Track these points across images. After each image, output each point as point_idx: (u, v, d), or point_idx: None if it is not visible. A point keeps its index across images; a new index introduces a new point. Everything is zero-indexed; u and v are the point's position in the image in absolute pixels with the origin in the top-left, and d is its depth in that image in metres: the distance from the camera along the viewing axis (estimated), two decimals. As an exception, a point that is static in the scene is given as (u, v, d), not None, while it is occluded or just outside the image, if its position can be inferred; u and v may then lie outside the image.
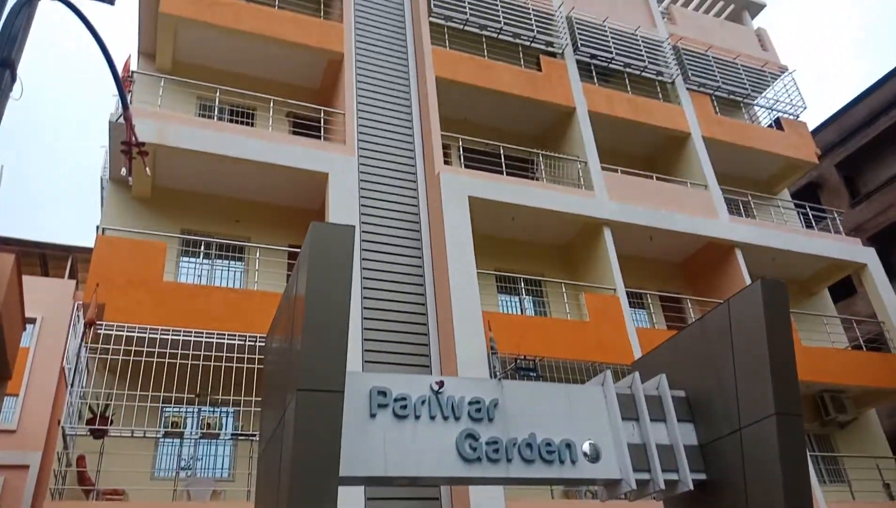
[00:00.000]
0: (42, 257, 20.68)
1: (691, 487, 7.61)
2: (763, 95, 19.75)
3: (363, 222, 12.39)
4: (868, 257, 17.05)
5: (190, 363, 9.42)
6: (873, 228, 22.47)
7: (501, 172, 14.14)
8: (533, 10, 16.87)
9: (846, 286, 19.08)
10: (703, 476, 7.83)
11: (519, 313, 13.86)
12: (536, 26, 16.67)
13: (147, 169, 9.25)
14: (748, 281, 14.53)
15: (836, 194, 24.11)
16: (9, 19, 6.91)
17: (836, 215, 18.30)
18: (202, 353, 9.45)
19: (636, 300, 14.38)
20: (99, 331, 9.27)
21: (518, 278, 13.90)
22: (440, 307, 11.84)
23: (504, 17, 16.37)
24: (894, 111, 23.14)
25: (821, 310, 17.40)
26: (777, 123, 19.31)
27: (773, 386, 7.39)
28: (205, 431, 9.60)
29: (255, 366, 9.48)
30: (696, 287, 15.77)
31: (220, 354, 9.52)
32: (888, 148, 23.31)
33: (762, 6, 22.38)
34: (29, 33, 7.20)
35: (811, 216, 18.16)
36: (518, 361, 10.43)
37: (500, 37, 16.38)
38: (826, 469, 14.36)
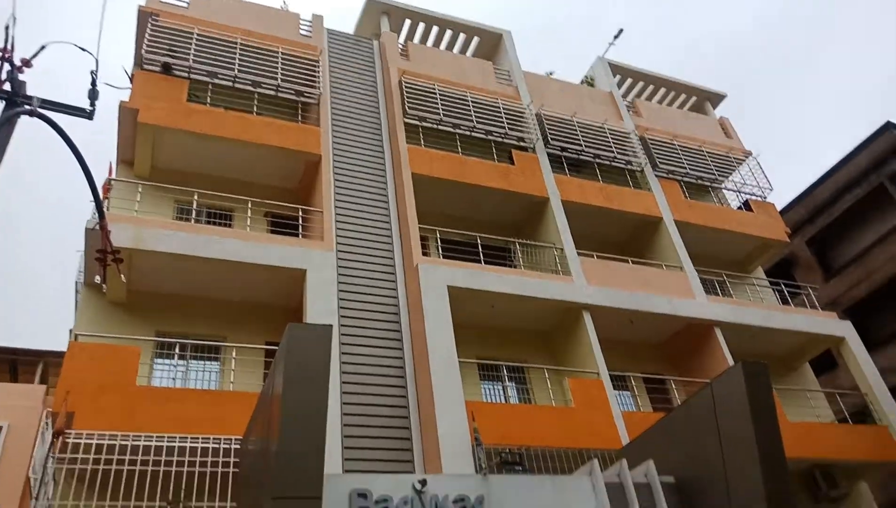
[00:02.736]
0: (12, 363, 20.18)
1: (685, 578, 7.34)
2: (730, 179, 20.41)
3: (342, 317, 12.36)
4: (845, 330, 17.19)
5: (162, 469, 9.09)
6: (848, 301, 22.75)
7: (479, 262, 14.30)
8: (503, 108, 17.55)
9: (827, 360, 19.12)
10: (696, 566, 7.58)
11: (503, 401, 13.68)
12: (507, 123, 17.30)
13: (122, 276, 9.24)
14: (729, 359, 14.54)
15: (809, 270, 24.51)
16: (-10, 137, 7.10)
17: (810, 290, 18.56)
18: (175, 458, 9.14)
19: (620, 383, 14.28)
20: (68, 440, 8.99)
21: (501, 365, 13.80)
22: (422, 400, 11.66)
23: (476, 116, 17.00)
24: (857, 189, 23.92)
25: (803, 384, 17.37)
26: (746, 205, 19.87)
27: (763, 472, 7.29)
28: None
29: (231, 470, 9.19)
30: (679, 367, 15.73)
31: (194, 459, 9.22)
32: (855, 224, 23.95)
33: (723, 97, 23.51)
34: (7, 148, 7.38)
35: (786, 293, 18.41)
36: (503, 455, 10.19)
37: (473, 134, 16.95)
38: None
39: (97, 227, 9.36)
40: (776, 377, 15.75)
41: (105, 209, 9.94)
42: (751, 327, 15.91)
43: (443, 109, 16.70)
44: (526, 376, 14.05)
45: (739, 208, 20.03)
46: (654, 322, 15.31)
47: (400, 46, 18.27)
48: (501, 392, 13.80)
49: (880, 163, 23.51)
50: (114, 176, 12.64)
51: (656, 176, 18.63)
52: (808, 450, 13.84)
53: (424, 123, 16.47)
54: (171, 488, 8.98)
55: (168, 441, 9.15)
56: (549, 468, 11.18)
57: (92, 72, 8.70)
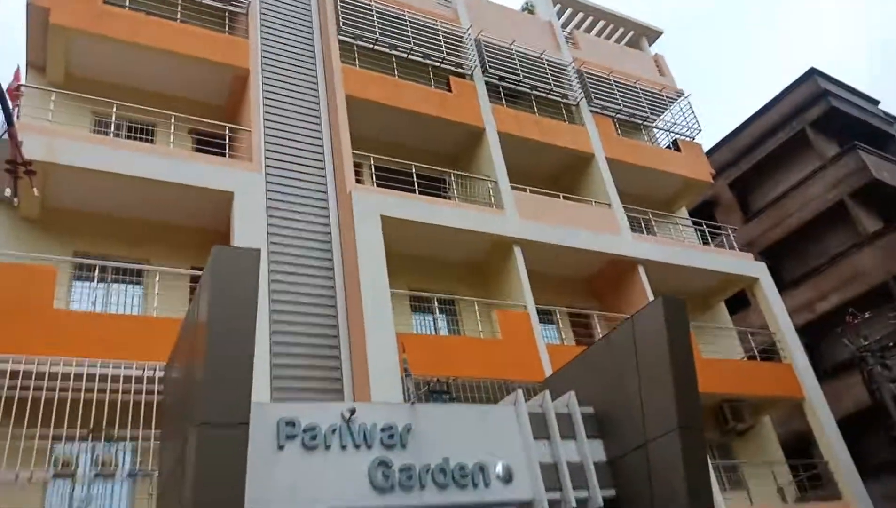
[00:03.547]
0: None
1: (601, 504, 7.76)
2: (661, 117, 20.70)
3: (271, 243, 12.05)
4: (760, 271, 18.08)
5: (83, 396, 8.78)
6: (764, 243, 23.93)
7: (414, 191, 14.13)
8: (442, 31, 17.05)
9: (741, 299, 20.16)
10: (612, 492, 8.00)
11: (433, 332, 13.83)
12: (446, 48, 16.85)
13: (35, 190, 8.67)
14: (650, 296, 15.08)
15: (729, 212, 25.51)
16: None
17: (729, 231, 19.32)
18: (96, 385, 8.83)
19: (546, 317, 14.64)
20: (-22, 365, 8.54)
21: (432, 296, 13.87)
22: (353, 330, 11.65)
23: (414, 38, 16.46)
24: (780, 133, 24.80)
25: (718, 322, 18.30)
26: (675, 145, 20.26)
27: (676, 401, 7.67)
28: (99, 470, 8.97)
29: (155, 398, 8.98)
30: (603, 303, 16.24)
31: (117, 385, 8.95)
32: (775, 168, 24.93)
33: (659, 33, 23.53)
34: None
35: (707, 233, 19.11)
36: (431, 384, 10.37)
37: (410, 57, 16.45)
38: (727, 477, 15.02)
39: (6, 135, 8.70)
40: (693, 314, 16.48)
41: (15, 117, 9.23)
42: (672, 265, 16.47)
43: (379, 29, 16.07)
44: (456, 307, 14.20)
45: (668, 147, 20.41)
46: (581, 258, 15.65)
47: (335, -43, 17.33)
48: (432, 324, 13.94)
49: (802, 109, 24.38)
50: (23, 81, 11.68)
51: (590, 111, 18.67)
52: (718, 385, 14.68)
53: (360, 42, 15.84)
54: (93, 416, 8.72)
55: (89, 367, 8.82)
56: (476, 398, 11.49)
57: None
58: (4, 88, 8.71)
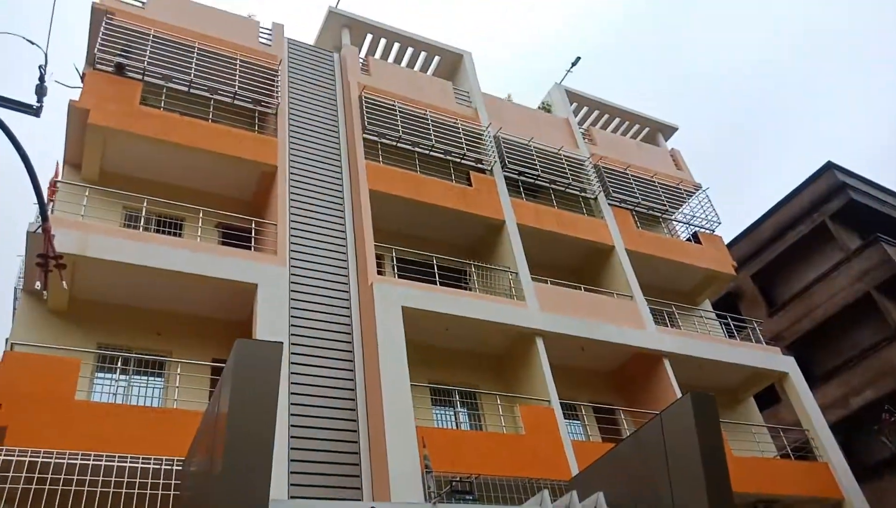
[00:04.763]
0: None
1: None
2: (680, 210, 20.87)
3: (293, 335, 12.06)
4: (788, 365, 17.61)
5: (99, 490, 8.61)
6: (791, 337, 23.46)
7: (435, 283, 14.19)
8: (463, 129, 17.59)
9: (771, 394, 19.58)
10: None
11: (454, 426, 13.54)
12: (466, 144, 17.33)
13: (63, 283, 8.82)
14: (677, 390, 14.73)
15: (754, 305, 25.19)
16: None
17: (755, 324, 19.00)
18: (113, 479, 8.66)
19: (570, 412, 14.30)
20: (-2, 457, 8.45)
21: (453, 390, 13.65)
22: (372, 423, 11.43)
23: (435, 136, 16.98)
24: (801, 226, 24.79)
25: (748, 418, 17.72)
26: (695, 237, 20.31)
27: (710, 505, 7.33)
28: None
29: (172, 492, 8.78)
30: (628, 397, 15.87)
31: (134, 480, 8.77)
32: (798, 260, 24.78)
33: (675, 129, 24.06)
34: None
35: (732, 326, 18.81)
36: (453, 483, 10.03)
37: (432, 153, 16.91)
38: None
39: (40, 230, 8.94)
40: (721, 410, 15.87)
41: (49, 212, 9.52)
42: (698, 358, 16.17)
43: (402, 127, 16.62)
44: (477, 401, 13.95)
45: (688, 239, 20.46)
46: (605, 351, 15.43)
47: (361, 61, 18.17)
48: (453, 417, 13.66)
49: (822, 202, 24.44)
50: (60, 178, 12.13)
51: (609, 204, 18.91)
52: (751, 485, 14.05)
53: (383, 140, 16.36)
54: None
55: (107, 461, 8.69)
56: (500, 497, 11.07)
57: (40, 66, 8.32)
58: (43, 185, 9.03)
